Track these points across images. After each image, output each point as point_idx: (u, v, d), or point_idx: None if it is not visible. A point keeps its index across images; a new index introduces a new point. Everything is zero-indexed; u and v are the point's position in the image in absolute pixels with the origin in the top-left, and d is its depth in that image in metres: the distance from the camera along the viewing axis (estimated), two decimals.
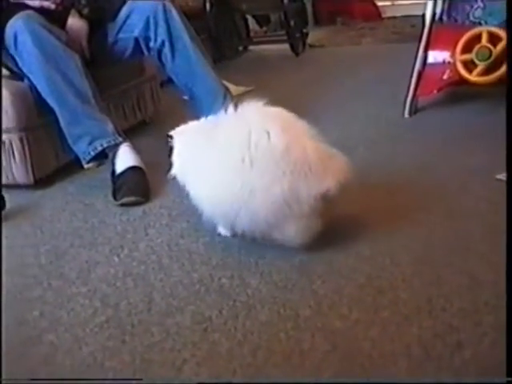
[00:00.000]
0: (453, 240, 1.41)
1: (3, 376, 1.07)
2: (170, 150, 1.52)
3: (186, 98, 2.95)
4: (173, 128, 2.35)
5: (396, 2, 5.59)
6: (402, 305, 1.18)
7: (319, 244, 1.41)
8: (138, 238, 1.58)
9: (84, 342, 1.16)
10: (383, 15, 5.50)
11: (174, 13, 2.08)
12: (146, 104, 2.59)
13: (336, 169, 1.35)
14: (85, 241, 1.60)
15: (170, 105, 2.83)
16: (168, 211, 1.73)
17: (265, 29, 4.63)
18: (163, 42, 2.08)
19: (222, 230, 1.52)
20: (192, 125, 1.56)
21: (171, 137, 1.52)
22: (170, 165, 1.54)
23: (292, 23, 3.91)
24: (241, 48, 4.31)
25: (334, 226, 1.43)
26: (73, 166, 2.10)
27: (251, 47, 4.40)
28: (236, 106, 1.41)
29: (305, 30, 4.18)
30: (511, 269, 1.12)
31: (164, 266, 1.42)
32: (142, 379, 1.06)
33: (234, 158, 1.33)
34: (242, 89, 3.04)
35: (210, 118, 1.54)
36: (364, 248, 1.41)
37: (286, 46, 4.11)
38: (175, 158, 1.51)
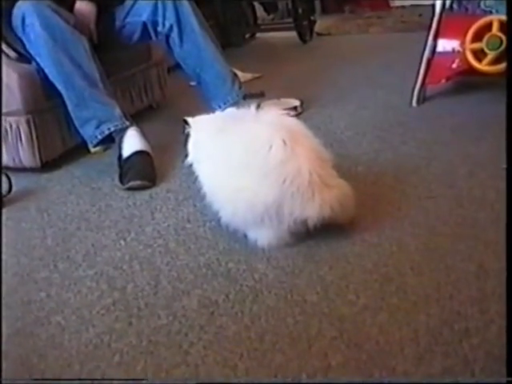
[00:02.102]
0: (460, 228, 1.40)
1: (3, 376, 1.06)
2: (186, 137, 1.51)
3: (193, 84, 2.95)
4: (179, 114, 2.36)
5: None
6: (409, 292, 1.17)
7: (326, 230, 1.41)
8: (145, 222, 1.57)
9: (91, 324, 1.16)
10: (391, 4, 5.45)
11: None
12: (152, 89, 2.57)
13: (326, 200, 1.30)
14: (91, 224, 1.60)
15: (176, 90, 2.82)
16: (175, 195, 1.72)
17: (272, 16, 4.59)
18: (171, 27, 2.07)
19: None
20: (209, 116, 1.56)
21: (187, 123, 1.50)
22: (186, 151, 1.52)
23: (300, 11, 3.87)
24: (248, 35, 4.28)
25: None
26: (79, 149, 2.10)
27: (258, 34, 4.37)
28: (258, 108, 1.42)
29: (312, 18, 4.15)
30: (511, 268, 1.11)
31: (170, 249, 1.42)
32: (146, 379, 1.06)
33: (236, 157, 1.35)
34: (249, 75, 3.02)
35: (227, 111, 1.57)
36: (371, 235, 1.40)
37: (293, 34, 4.07)
38: (191, 147, 1.50)
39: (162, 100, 2.68)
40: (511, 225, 1.20)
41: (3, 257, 1.45)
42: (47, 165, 2.01)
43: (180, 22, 2.06)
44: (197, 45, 2.08)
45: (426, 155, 1.84)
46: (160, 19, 2.07)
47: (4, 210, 1.73)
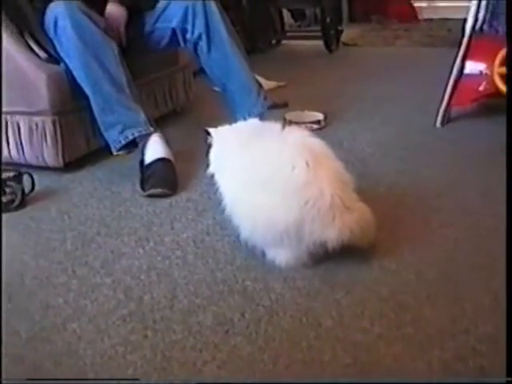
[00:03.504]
0: (478, 258, 1.40)
1: (3, 376, 1.08)
2: (209, 147, 1.52)
3: (217, 89, 2.97)
4: (203, 119, 2.38)
5: (433, 4, 5.51)
6: (425, 323, 1.17)
7: (344, 253, 1.41)
8: (164, 232, 1.58)
9: (106, 334, 1.17)
10: (419, 17, 5.43)
11: (213, 5, 2.08)
12: (177, 93, 2.59)
13: (346, 223, 1.31)
14: (111, 230, 1.61)
15: (201, 95, 2.84)
16: (195, 205, 1.73)
17: (299, 23, 4.60)
18: (200, 35, 2.08)
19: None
20: (232, 128, 1.56)
21: (209, 133, 1.52)
22: (208, 162, 1.54)
23: (328, 20, 3.87)
24: (274, 41, 4.28)
25: None
26: (102, 151, 2.11)
27: (284, 41, 4.37)
28: (284, 124, 1.44)
29: (340, 28, 4.15)
30: (511, 265, 1.14)
31: (188, 262, 1.43)
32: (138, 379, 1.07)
33: (259, 174, 1.36)
34: (273, 84, 3.03)
35: (250, 121, 1.58)
36: (389, 261, 1.40)
37: (319, 43, 4.08)
38: (212, 157, 1.51)
39: (186, 104, 2.70)
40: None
41: (20, 259, 1.48)
42: (70, 165, 2.03)
43: (209, 30, 2.07)
44: (224, 54, 2.09)
45: (448, 180, 1.84)
46: (189, 27, 2.09)
47: (26, 209, 1.76)
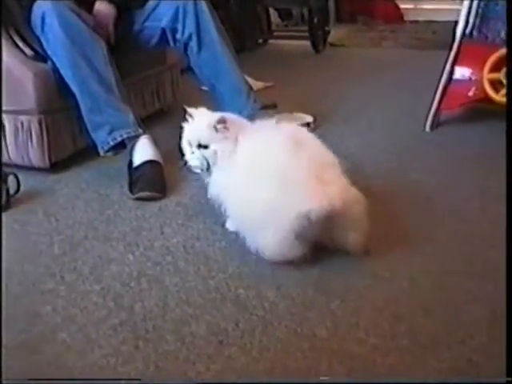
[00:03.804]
0: (472, 266, 1.40)
1: (3, 376, 1.06)
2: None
3: (204, 88, 2.94)
4: None
5: (418, 6, 5.52)
6: (420, 334, 1.16)
7: (337, 260, 1.40)
8: (154, 237, 1.56)
9: (97, 344, 1.14)
10: (405, 18, 5.44)
11: (204, 6, 2.05)
12: (165, 92, 2.55)
13: (326, 194, 1.31)
14: (99, 233, 1.58)
15: (188, 94, 2.79)
16: (184, 210, 1.71)
17: (285, 23, 4.57)
18: (190, 35, 2.05)
19: (229, 224, 1.56)
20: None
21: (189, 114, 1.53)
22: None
23: (315, 20, 3.86)
24: (261, 41, 4.25)
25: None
26: (89, 151, 2.07)
27: (271, 41, 4.34)
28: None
29: (327, 28, 4.13)
30: (511, 268, 1.14)
31: (179, 268, 1.40)
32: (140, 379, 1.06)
33: (243, 160, 1.41)
34: (261, 84, 3.01)
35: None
36: (382, 268, 1.39)
37: (305, 43, 4.05)
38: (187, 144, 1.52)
39: (173, 104, 2.66)
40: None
41: (5, 264, 1.43)
42: (56, 165, 1.99)
43: (200, 30, 2.04)
44: (214, 55, 2.06)
45: (438, 185, 1.84)
46: (180, 26, 2.05)
47: (11, 211, 1.71)
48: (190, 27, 2.04)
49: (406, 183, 1.85)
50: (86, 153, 2.08)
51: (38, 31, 1.87)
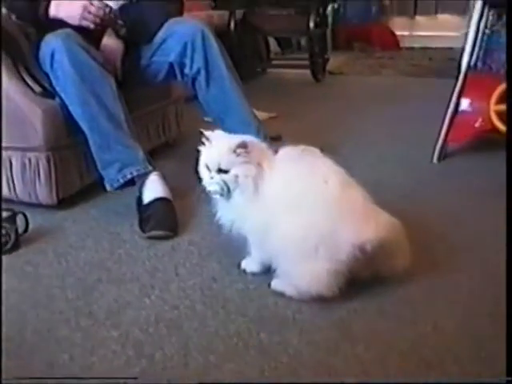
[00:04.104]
0: (497, 308, 1.37)
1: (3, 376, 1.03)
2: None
3: (207, 119, 2.93)
4: (195, 152, 2.31)
5: (414, 33, 5.60)
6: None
7: (357, 300, 1.38)
8: (169, 278, 1.52)
9: None
10: (401, 45, 5.51)
11: (213, 41, 2.05)
12: (170, 126, 2.55)
13: (380, 223, 1.36)
14: (112, 275, 1.55)
15: (192, 125, 2.79)
16: (198, 249, 1.68)
17: (284, 51, 4.61)
18: (199, 70, 2.04)
19: (250, 265, 1.52)
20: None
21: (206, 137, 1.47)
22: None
23: (316, 49, 3.88)
24: (259, 69, 4.27)
25: (368, 282, 1.41)
26: (95, 187, 2.05)
27: (269, 69, 4.36)
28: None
29: (326, 56, 4.16)
30: (511, 269, 1.17)
31: (198, 312, 1.37)
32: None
33: (288, 192, 1.37)
34: (265, 115, 3.00)
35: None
36: (404, 310, 1.37)
37: (305, 71, 4.08)
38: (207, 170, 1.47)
39: (178, 136, 2.65)
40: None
41: (19, 308, 1.40)
42: (63, 202, 1.96)
43: (208, 65, 2.03)
44: (223, 90, 2.05)
45: (453, 221, 1.82)
46: (188, 61, 2.04)
47: (20, 252, 1.68)
48: (199, 62, 2.03)
49: (422, 218, 1.83)
50: (93, 189, 2.06)
51: (46, 68, 1.86)
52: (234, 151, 1.38)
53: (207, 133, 1.44)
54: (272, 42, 4.44)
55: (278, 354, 1.22)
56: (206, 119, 2.98)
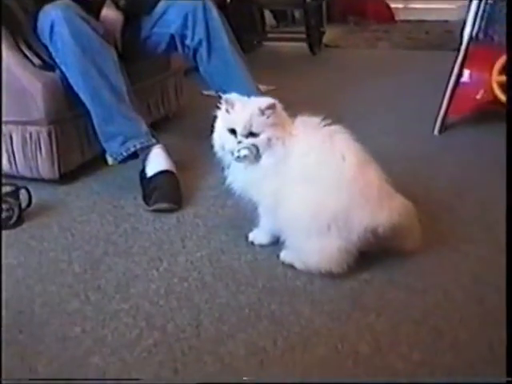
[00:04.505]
0: (500, 276, 1.37)
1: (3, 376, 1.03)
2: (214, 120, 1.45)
3: (205, 92, 2.90)
4: (195, 125, 2.29)
5: (409, 6, 5.54)
6: (463, 349, 1.14)
7: (367, 272, 1.38)
8: (176, 251, 1.52)
9: (133, 368, 1.10)
10: (396, 18, 5.45)
11: (214, 12, 2.02)
12: (169, 99, 2.51)
13: (394, 207, 1.35)
14: (119, 249, 1.54)
15: (191, 98, 2.77)
16: (203, 221, 1.67)
17: (280, 24, 4.55)
18: (200, 41, 2.01)
19: (258, 237, 1.51)
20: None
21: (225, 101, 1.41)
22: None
23: (313, 21, 3.84)
24: (255, 42, 4.22)
25: (377, 254, 1.40)
26: (97, 161, 2.04)
27: (265, 43, 4.31)
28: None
29: (322, 29, 4.12)
30: (511, 269, 1.15)
31: (207, 284, 1.37)
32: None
33: (303, 164, 1.34)
34: (264, 88, 2.96)
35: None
36: (415, 280, 1.37)
37: (300, 44, 4.04)
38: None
39: (177, 110, 2.62)
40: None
41: (27, 283, 1.39)
42: (64, 176, 1.93)
43: (210, 36, 2.00)
44: (225, 62, 2.03)
45: (458, 192, 1.82)
46: (189, 33, 2.01)
47: (24, 226, 1.66)
48: (200, 33, 1.99)
49: (427, 191, 1.82)
50: (94, 162, 2.04)
51: (45, 39, 1.82)
52: (263, 113, 1.34)
53: (226, 96, 1.39)
54: (267, 14, 4.38)
55: (290, 324, 1.22)
56: (204, 93, 2.96)
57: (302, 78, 3.32)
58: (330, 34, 4.62)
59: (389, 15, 5.38)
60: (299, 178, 1.34)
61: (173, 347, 1.16)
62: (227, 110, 1.38)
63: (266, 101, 1.36)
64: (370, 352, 1.14)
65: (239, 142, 1.36)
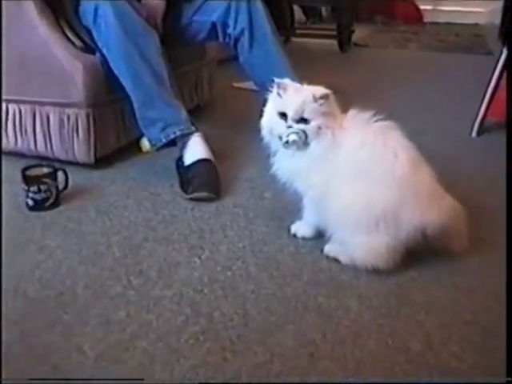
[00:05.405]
0: None
1: (3, 376, 1.03)
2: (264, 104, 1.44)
3: (235, 85, 2.90)
4: (228, 115, 2.27)
5: (438, 7, 5.51)
6: None
7: (413, 269, 1.37)
8: (217, 240, 1.51)
9: (181, 355, 1.09)
10: (424, 19, 5.42)
11: (258, 2, 2.00)
12: (202, 88, 2.51)
13: (443, 208, 1.35)
14: (158, 235, 1.53)
15: (222, 89, 2.76)
16: (243, 211, 1.66)
17: (310, 20, 4.54)
18: (242, 31, 2.00)
19: (301, 229, 1.51)
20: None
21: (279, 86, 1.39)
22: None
23: (344, 19, 3.82)
24: (283, 38, 4.20)
25: (424, 251, 1.38)
26: (131, 147, 2.03)
27: (293, 39, 4.30)
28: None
29: (352, 28, 4.10)
30: (511, 267, 1.17)
31: (252, 274, 1.36)
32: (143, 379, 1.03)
33: (356, 159, 1.33)
34: None
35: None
36: (461, 280, 1.35)
37: (329, 41, 4.03)
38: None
39: (208, 99, 2.62)
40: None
41: (67, 264, 1.39)
42: (99, 161, 1.93)
43: (252, 26, 1.99)
44: (267, 52, 2.01)
45: (498, 194, 1.79)
46: (231, 21, 2.00)
47: (61, 208, 1.66)
48: (243, 23, 1.98)
49: (466, 193, 1.79)
50: (128, 149, 2.04)
51: (88, 21, 1.82)
52: (317, 101, 1.33)
53: (279, 80, 1.37)
54: (297, 10, 4.37)
55: (339, 317, 1.21)
56: (235, 85, 2.96)
57: (332, 75, 3.29)
58: (359, 32, 4.60)
59: (417, 16, 5.36)
60: (350, 173, 1.33)
61: (220, 335, 1.15)
62: (279, 94, 1.37)
63: (320, 89, 1.35)
64: (422, 349, 1.12)
65: (289, 127, 1.35)
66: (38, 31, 1.79)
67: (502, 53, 2.31)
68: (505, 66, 2.30)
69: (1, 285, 1.29)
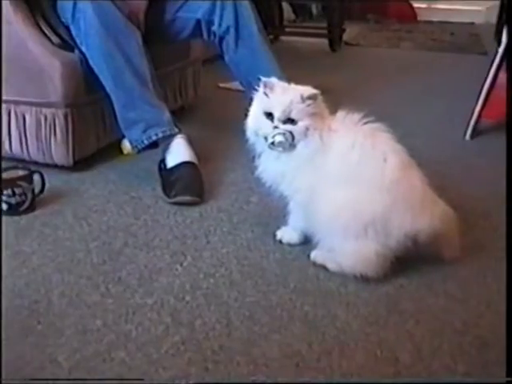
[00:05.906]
0: None
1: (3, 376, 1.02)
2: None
3: (221, 85, 2.90)
4: (212, 117, 2.26)
5: (432, 6, 5.55)
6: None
7: (403, 276, 1.37)
8: (200, 246, 1.50)
9: (161, 365, 1.09)
10: (418, 18, 5.46)
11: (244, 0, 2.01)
12: (187, 89, 2.51)
13: (435, 214, 1.35)
14: (139, 241, 1.52)
15: (207, 90, 2.76)
16: (227, 216, 1.66)
17: (300, 19, 4.55)
18: (228, 28, 2.00)
19: (286, 235, 1.51)
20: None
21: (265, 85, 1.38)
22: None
23: (335, 17, 3.84)
24: (272, 37, 4.22)
25: (414, 258, 1.39)
26: (111, 149, 2.03)
27: (282, 37, 4.31)
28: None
29: (343, 26, 4.12)
30: (511, 269, 1.18)
31: (236, 282, 1.35)
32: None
33: (344, 164, 1.33)
34: None
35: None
36: (453, 288, 1.36)
37: (319, 40, 4.04)
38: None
39: (193, 100, 2.61)
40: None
41: (43, 272, 1.38)
42: (78, 163, 1.92)
43: (238, 24, 1.99)
44: (253, 51, 2.02)
45: (494, 199, 1.81)
46: (217, 19, 2.00)
47: (37, 213, 1.65)
48: (228, 20, 1.98)
49: (459, 196, 1.81)
50: (109, 151, 2.03)
51: (66, 18, 1.81)
52: (304, 101, 1.33)
53: (267, 79, 1.37)
54: (286, 8, 4.38)
55: (326, 326, 1.21)
56: (221, 85, 2.96)
57: (322, 74, 3.30)
58: (350, 31, 4.62)
59: (411, 15, 5.40)
60: (338, 176, 1.33)
61: (202, 345, 1.15)
62: (266, 94, 1.36)
63: (308, 89, 1.35)
64: (411, 361, 1.13)
65: (275, 128, 1.34)
66: (13, 27, 1.78)
67: (497, 52, 2.34)
68: (500, 65, 2.32)
69: (0, 278, 1.29)
